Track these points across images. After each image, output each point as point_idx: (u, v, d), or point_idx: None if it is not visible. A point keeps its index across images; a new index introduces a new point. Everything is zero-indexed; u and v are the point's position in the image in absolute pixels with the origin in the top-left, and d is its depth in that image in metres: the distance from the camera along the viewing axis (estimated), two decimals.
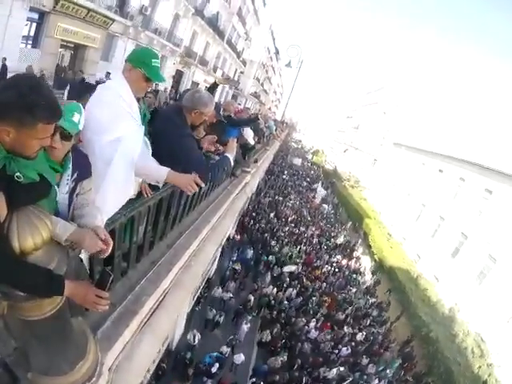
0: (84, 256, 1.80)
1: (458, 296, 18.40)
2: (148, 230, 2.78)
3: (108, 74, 14.78)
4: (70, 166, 1.69)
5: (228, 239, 14.21)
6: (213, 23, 25.34)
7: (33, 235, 1.17)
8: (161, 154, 2.49)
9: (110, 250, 1.60)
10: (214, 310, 12.05)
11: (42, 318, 1.29)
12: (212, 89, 4.26)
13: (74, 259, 1.61)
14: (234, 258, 15.74)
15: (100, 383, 1.84)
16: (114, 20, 15.68)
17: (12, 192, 1.18)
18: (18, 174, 1.23)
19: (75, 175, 1.71)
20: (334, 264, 20.88)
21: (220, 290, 13.26)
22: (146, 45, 18.48)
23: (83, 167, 1.77)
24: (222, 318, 12.11)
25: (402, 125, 37.84)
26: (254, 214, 21.57)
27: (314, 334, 13.46)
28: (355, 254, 25.27)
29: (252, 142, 6.53)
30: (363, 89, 57.64)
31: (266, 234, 20.03)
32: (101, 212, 1.79)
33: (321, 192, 35.69)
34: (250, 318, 12.69)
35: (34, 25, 13.08)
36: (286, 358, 11.67)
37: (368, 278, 22.26)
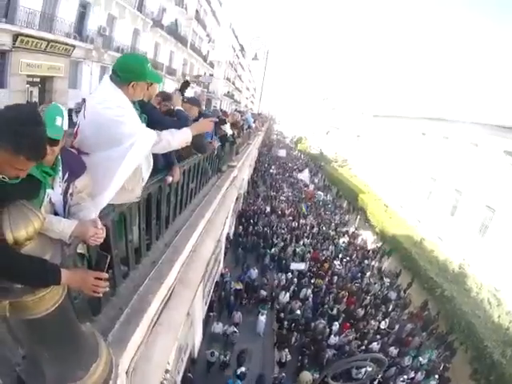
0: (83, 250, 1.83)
1: (465, 251, 18.56)
2: (142, 229, 2.79)
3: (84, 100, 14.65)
4: (61, 167, 1.71)
5: (227, 238, 14.11)
6: (173, 31, 25.28)
7: (25, 224, 1.20)
8: None
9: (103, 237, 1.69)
10: (216, 353, 10.48)
11: (45, 314, 1.30)
12: (184, 88, 4.30)
13: (72, 257, 1.62)
14: (228, 279, 14.15)
15: None
16: (74, 46, 15.58)
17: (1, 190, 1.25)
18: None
19: (66, 176, 1.75)
20: (340, 255, 19.96)
21: (220, 324, 11.73)
22: (110, 64, 18.42)
23: (73, 167, 1.81)
24: (228, 357, 10.59)
25: (378, 96, 38.06)
26: (243, 222, 20.34)
27: (333, 339, 12.28)
28: (361, 238, 24.84)
29: (230, 132, 6.61)
30: (334, 68, 57.75)
31: (266, 228, 19.96)
32: (96, 207, 1.90)
33: (304, 176, 34.61)
34: (265, 311, 12.64)
35: None
36: (317, 375, 10.05)
37: (374, 254, 22.16)
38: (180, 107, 3.74)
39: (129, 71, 2.22)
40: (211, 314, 12.17)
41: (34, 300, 1.25)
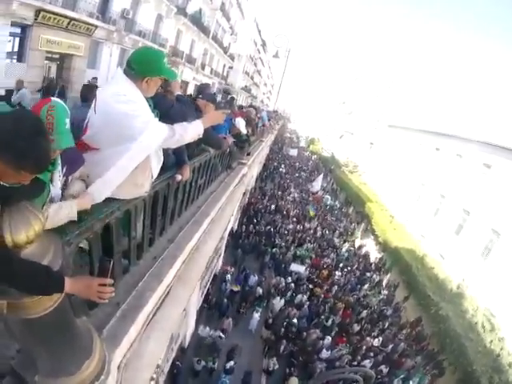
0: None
1: (465, 272, 18.37)
2: (146, 225, 2.78)
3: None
4: (60, 162, 1.69)
5: (231, 233, 14.07)
6: (196, 20, 25.16)
7: (26, 228, 1.18)
8: None
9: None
10: (203, 362, 10.14)
11: (43, 314, 1.29)
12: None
13: (71, 256, 1.61)
14: (228, 279, 14.02)
15: (109, 381, 1.84)
16: (96, 26, 15.54)
17: (3, 191, 1.19)
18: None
19: (65, 170, 1.74)
20: (341, 264, 19.68)
21: (207, 328, 11.30)
22: (131, 48, 18.43)
23: (72, 160, 1.79)
24: (217, 363, 10.29)
25: (395, 106, 37.74)
26: (245, 221, 19.86)
27: (325, 353, 11.82)
28: (364, 249, 24.61)
29: (244, 131, 6.58)
30: (354, 74, 57.25)
31: (270, 227, 19.89)
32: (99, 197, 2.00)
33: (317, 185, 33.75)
34: (260, 309, 12.70)
35: (18, 39, 12.98)
36: None
37: (376, 267, 22.01)
38: (179, 92, 3.84)
39: (144, 64, 2.16)
40: (205, 305, 12.19)
41: (32, 301, 1.24)
